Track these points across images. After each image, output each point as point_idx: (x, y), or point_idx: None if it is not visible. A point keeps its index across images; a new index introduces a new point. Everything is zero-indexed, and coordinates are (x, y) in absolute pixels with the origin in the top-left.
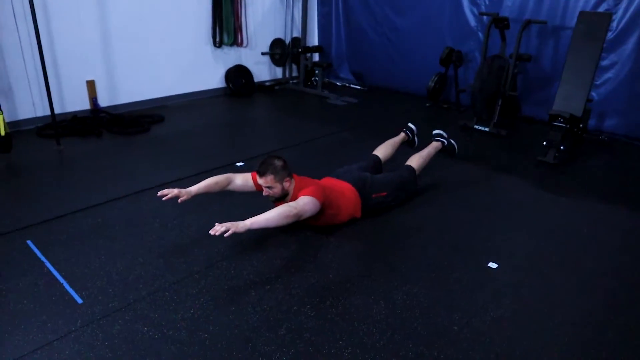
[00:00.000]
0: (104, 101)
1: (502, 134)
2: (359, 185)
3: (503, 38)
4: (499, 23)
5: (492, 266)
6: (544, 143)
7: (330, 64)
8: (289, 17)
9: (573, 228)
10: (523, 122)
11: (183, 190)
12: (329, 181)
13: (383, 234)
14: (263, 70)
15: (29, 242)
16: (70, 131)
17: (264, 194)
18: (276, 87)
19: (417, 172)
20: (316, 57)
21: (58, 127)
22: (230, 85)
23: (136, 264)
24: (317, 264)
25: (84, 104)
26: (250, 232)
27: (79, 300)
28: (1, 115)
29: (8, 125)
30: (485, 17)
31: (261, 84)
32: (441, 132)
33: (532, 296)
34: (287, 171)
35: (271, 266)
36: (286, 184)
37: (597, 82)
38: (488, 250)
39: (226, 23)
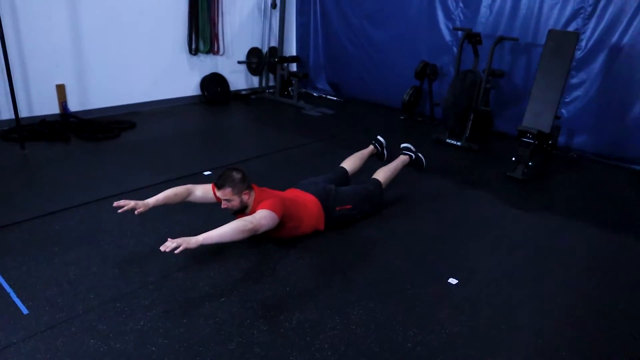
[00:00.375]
0: (74, 106)
1: (474, 148)
2: (323, 197)
3: (476, 53)
4: (472, 38)
5: (452, 282)
6: (513, 159)
7: (306, 74)
8: (267, 27)
9: (537, 244)
10: (495, 137)
11: (140, 202)
12: (292, 193)
13: (345, 246)
14: (239, 79)
15: None
16: (37, 135)
17: (222, 206)
18: (252, 97)
19: (383, 186)
20: (294, 67)
21: (24, 131)
22: (206, 93)
23: (89, 273)
24: (276, 276)
25: (54, 108)
26: (212, 246)
27: (25, 311)
28: None
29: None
30: (459, 32)
31: (237, 92)
32: (409, 145)
33: (490, 313)
34: (245, 184)
35: (228, 278)
36: (245, 197)
37: (567, 100)
38: (450, 265)
39: (202, 31)
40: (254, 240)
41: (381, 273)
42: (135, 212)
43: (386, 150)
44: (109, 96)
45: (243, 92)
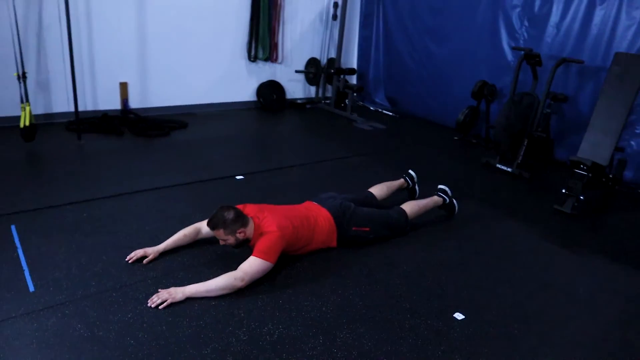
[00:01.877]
0: (134, 103)
1: (525, 176)
2: (338, 214)
3: (535, 75)
4: (531, 59)
5: (457, 317)
6: (563, 190)
7: (361, 87)
8: (327, 38)
9: (568, 288)
10: (554, 166)
11: (149, 250)
12: (306, 206)
13: (352, 266)
14: (297, 88)
15: (12, 226)
16: (96, 128)
17: (220, 244)
18: (307, 106)
19: (409, 218)
20: (354, 79)
21: (85, 123)
22: (261, 100)
23: (99, 261)
24: (272, 287)
25: (115, 104)
26: (218, 247)
27: (31, 289)
28: (28, 107)
29: (44, 116)
30: (520, 52)
31: (293, 101)
32: (446, 188)
33: (491, 354)
34: (238, 223)
35: None
36: (240, 235)
37: (638, 131)
38: (460, 298)
39: (262, 38)
40: None
41: (383, 298)
42: (144, 261)
43: (418, 187)
44: (168, 96)
45: (299, 101)
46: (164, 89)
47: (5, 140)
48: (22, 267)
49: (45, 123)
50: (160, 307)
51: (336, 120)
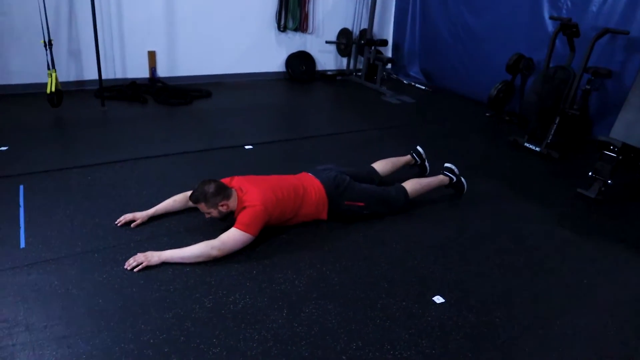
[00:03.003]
0: (163, 72)
1: (554, 156)
2: (331, 186)
3: (571, 47)
4: (567, 29)
5: (436, 300)
6: (590, 173)
7: (391, 59)
8: (361, 8)
9: (570, 279)
10: (590, 146)
11: (138, 214)
12: (301, 177)
13: (337, 241)
14: (328, 59)
15: (21, 186)
16: (122, 96)
17: (206, 217)
18: (338, 78)
19: (410, 196)
20: (389, 51)
21: (114, 90)
22: (290, 71)
23: (90, 223)
24: (252, 256)
25: (144, 73)
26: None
27: (22, 245)
28: (54, 74)
29: (75, 84)
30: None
31: (323, 72)
32: (453, 167)
33: (460, 344)
34: (220, 196)
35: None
36: (222, 208)
37: None
38: (445, 281)
39: (292, 8)
40: None
41: (362, 276)
42: (132, 225)
43: (428, 164)
44: (196, 65)
45: (329, 73)
46: (192, 58)
47: (33, 105)
48: (19, 225)
49: (76, 90)
50: (135, 270)
51: (365, 92)
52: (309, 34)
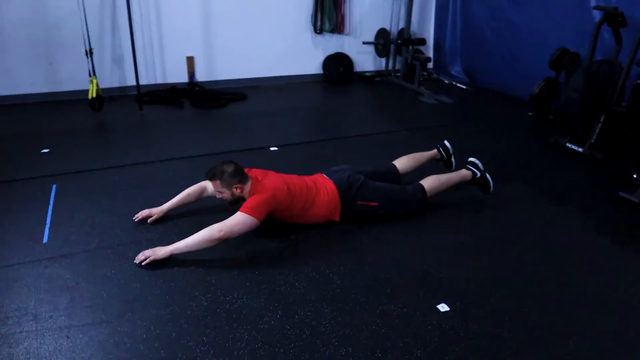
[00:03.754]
0: (201, 76)
1: (598, 157)
2: (344, 187)
3: (617, 39)
4: (612, 19)
5: (440, 308)
6: (635, 176)
7: (428, 58)
8: (400, 7)
9: (600, 293)
10: None
11: (154, 210)
12: (315, 178)
13: (348, 244)
14: (367, 60)
15: (54, 186)
16: (161, 100)
17: (217, 197)
18: (376, 79)
19: (427, 194)
20: (430, 51)
21: (154, 95)
22: (327, 73)
23: (109, 222)
24: (254, 257)
25: (183, 77)
26: (216, 215)
27: (45, 240)
28: (95, 80)
29: (118, 89)
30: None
31: (361, 74)
32: (477, 161)
33: (463, 353)
34: (236, 178)
35: (215, 250)
36: (236, 191)
37: None
38: (454, 289)
39: (328, 10)
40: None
41: (365, 280)
42: (149, 220)
43: (455, 160)
44: (233, 69)
45: (367, 74)
46: (230, 62)
47: (77, 111)
48: (46, 221)
49: (119, 95)
50: (142, 264)
51: (402, 93)
52: (346, 35)
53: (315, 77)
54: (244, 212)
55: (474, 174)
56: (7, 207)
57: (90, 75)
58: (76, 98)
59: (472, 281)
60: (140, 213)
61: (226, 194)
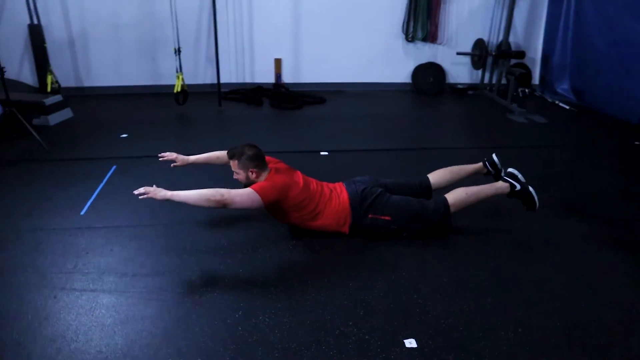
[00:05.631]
0: (287, 78)
1: None
2: (356, 199)
3: None
4: None
5: (407, 344)
6: None
7: (524, 73)
8: (501, 17)
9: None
10: None
11: (180, 156)
12: (333, 185)
13: (346, 258)
14: (461, 72)
15: (114, 167)
16: (244, 98)
17: (234, 176)
18: (469, 92)
19: (452, 209)
20: (537, 67)
21: (238, 93)
22: (415, 82)
23: (142, 204)
24: (248, 260)
25: (270, 78)
26: (234, 219)
27: (82, 212)
28: (181, 76)
29: (210, 86)
30: None
31: (453, 85)
32: (516, 173)
33: None
34: (254, 162)
35: (220, 243)
36: (251, 175)
37: None
38: (434, 326)
39: (421, 17)
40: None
41: (341, 298)
42: (172, 165)
43: (506, 176)
44: (319, 73)
45: (459, 86)
46: (316, 66)
47: (163, 103)
48: (91, 196)
49: (210, 92)
50: (140, 197)
51: (492, 109)
52: (439, 44)
53: (403, 87)
54: (252, 188)
55: (513, 186)
56: (63, 181)
57: (177, 72)
58: (164, 92)
59: (458, 322)
60: (167, 154)
61: (241, 176)
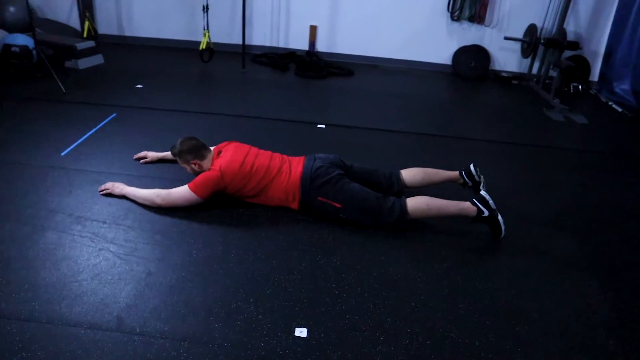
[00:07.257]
0: (321, 46)
1: None
2: (307, 177)
3: None
4: None
5: (298, 333)
6: None
7: (572, 66)
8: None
9: None
10: None
11: (150, 153)
12: (290, 159)
13: (282, 235)
14: (509, 59)
15: (114, 114)
16: (271, 62)
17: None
18: (514, 82)
19: (410, 215)
20: (598, 61)
21: (267, 56)
22: (456, 65)
23: (125, 155)
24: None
25: (304, 45)
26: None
27: (62, 154)
28: (207, 34)
29: (234, 46)
30: None
31: (497, 73)
32: (487, 197)
33: None
34: (193, 154)
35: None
36: (194, 166)
37: None
38: (334, 317)
39: None
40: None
41: (257, 273)
42: (141, 162)
43: (484, 187)
44: (354, 44)
45: (503, 74)
46: (352, 37)
47: (186, 58)
48: (78, 139)
49: (241, 52)
50: (100, 194)
51: (533, 102)
52: (487, 26)
53: (441, 68)
54: (189, 187)
55: (480, 211)
56: (62, 122)
57: (204, 29)
58: (190, 47)
59: (362, 322)
60: (141, 153)
61: (187, 169)
